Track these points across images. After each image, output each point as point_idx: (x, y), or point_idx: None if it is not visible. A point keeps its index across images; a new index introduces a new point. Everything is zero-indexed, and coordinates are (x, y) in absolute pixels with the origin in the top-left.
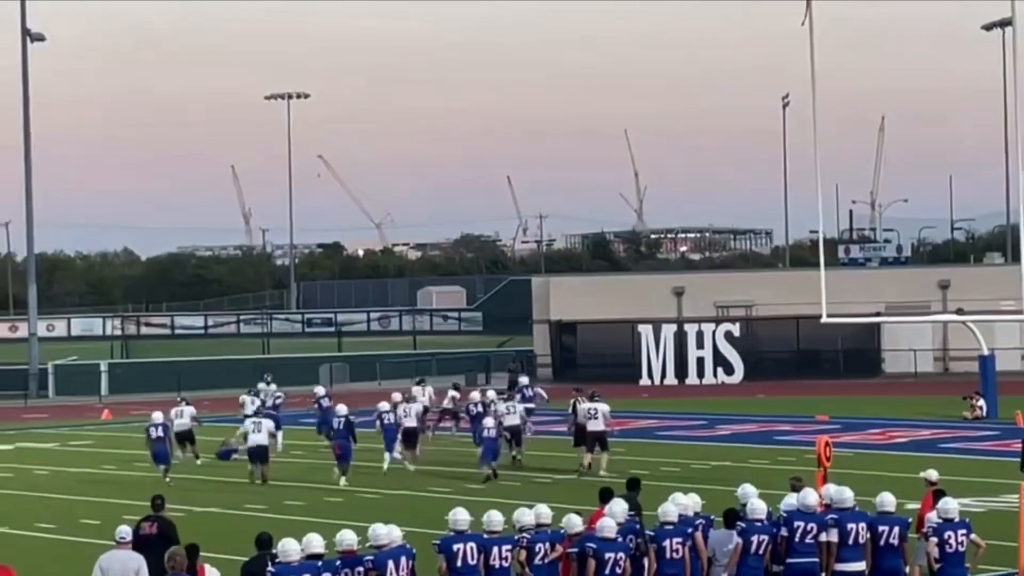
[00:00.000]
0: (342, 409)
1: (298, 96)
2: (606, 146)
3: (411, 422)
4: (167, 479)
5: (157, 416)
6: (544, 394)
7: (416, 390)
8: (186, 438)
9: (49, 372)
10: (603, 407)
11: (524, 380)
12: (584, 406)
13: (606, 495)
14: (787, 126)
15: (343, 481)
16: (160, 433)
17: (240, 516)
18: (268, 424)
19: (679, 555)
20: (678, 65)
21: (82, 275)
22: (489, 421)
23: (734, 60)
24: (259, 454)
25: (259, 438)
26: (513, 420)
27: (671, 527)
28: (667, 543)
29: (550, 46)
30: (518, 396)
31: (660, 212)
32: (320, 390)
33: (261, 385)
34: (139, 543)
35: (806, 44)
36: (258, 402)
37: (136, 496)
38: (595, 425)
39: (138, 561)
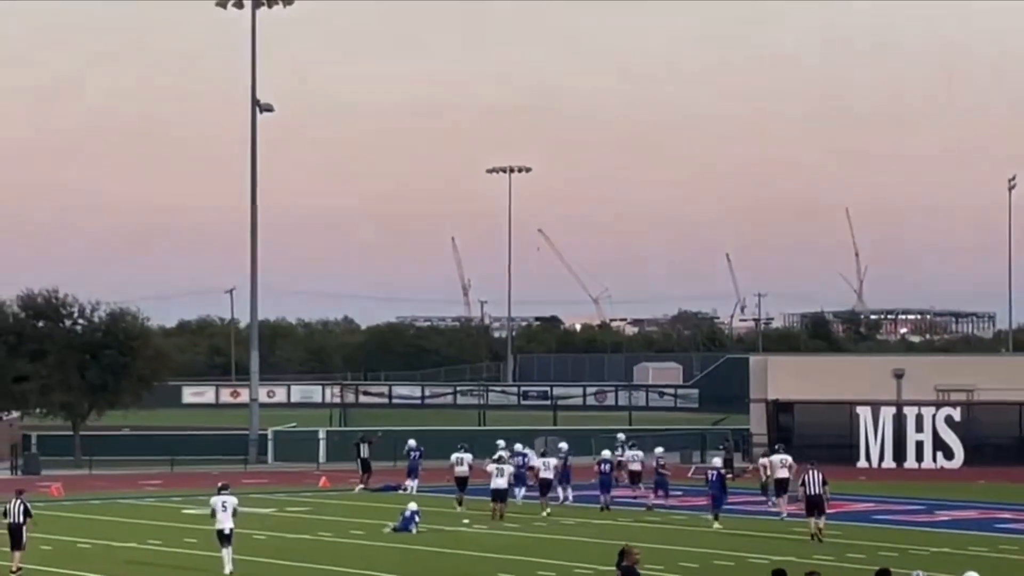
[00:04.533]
0: (717, 462)
1: (519, 170)
2: (827, 225)
3: (548, 474)
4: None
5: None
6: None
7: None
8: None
9: (269, 438)
10: (788, 457)
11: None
12: (776, 457)
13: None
14: (1012, 207)
15: (716, 525)
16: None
17: None
18: (508, 469)
19: None
20: (901, 144)
21: (303, 343)
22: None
23: (957, 139)
24: (499, 495)
25: (500, 482)
26: (635, 466)
27: None
28: None
29: (771, 121)
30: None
31: (880, 293)
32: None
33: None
34: None
35: None
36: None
37: (350, 564)
38: (783, 473)
39: None
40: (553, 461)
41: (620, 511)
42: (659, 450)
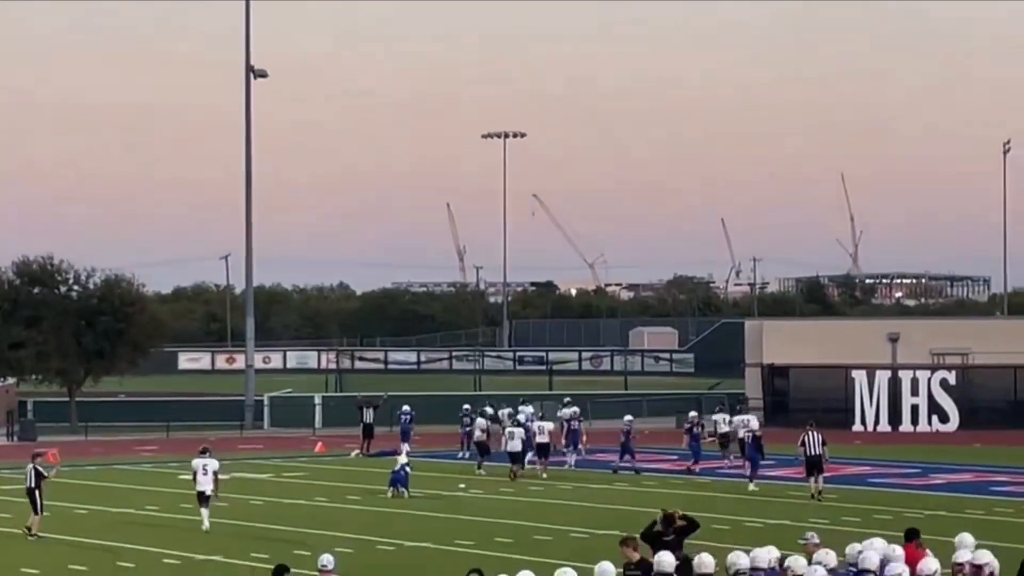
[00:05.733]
0: (754, 424)
1: (514, 135)
2: (822, 189)
3: (543, 438)
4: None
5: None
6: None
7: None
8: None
9: (264, 404)
10: (753, 421)
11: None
12: (738, 418)
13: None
14: (1007, 172)
15: (751, 487)
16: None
17: (448, 552)
18: (520, 433)
19: None
20: (895, 110)
21: (298, 309)
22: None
23: (952, 106)
24: (515, 457)
25: (515, 444)
26: (574, 424)
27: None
28: None
29: (766, 86)
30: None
31: (875, 257)
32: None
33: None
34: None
35: None
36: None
37: (346, 529)
38: (745, 435)
39: None
40: (549, 425)
41: (620, 476)
42: (692, 414)
